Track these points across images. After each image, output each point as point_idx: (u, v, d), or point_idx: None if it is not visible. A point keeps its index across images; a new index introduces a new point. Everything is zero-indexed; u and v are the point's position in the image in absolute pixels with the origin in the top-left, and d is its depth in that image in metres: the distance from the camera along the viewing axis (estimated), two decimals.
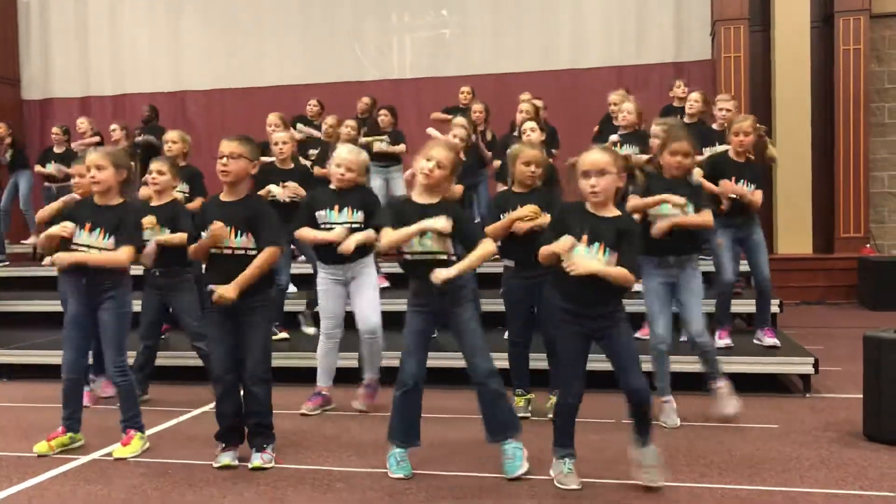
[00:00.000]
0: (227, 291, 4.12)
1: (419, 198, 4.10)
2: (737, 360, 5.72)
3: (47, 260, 4.51)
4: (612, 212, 3.78)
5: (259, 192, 5.89)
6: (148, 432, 4.85)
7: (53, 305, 8.17)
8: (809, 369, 5.59)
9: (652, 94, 9.74)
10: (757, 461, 4.17)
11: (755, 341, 6.15)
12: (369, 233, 4.95)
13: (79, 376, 4.66)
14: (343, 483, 4.10)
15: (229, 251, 4.22)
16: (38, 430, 5.14)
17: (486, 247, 4.03)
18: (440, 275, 3.88)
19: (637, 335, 6.09)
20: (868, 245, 10.20)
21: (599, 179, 3.68)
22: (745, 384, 5.31)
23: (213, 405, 5.60)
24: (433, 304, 4.08)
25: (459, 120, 7.02)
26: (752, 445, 4.47)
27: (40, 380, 6.66)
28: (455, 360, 4.54)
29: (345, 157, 5.10)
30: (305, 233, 5.10)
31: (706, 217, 4.73)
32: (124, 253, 4.40)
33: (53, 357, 6.81)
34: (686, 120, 7.48)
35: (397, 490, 3.94)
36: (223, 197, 4.33)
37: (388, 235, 4.01)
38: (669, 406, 4.87)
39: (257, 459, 4.29)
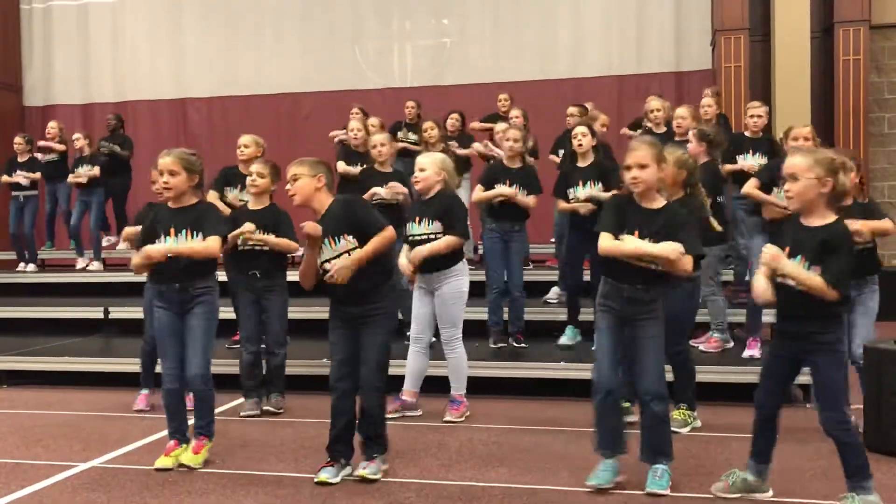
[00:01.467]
0: (343, 268, 4.03)
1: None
2: (736, 370, 5.72)
3: (136, 263, 4.42)
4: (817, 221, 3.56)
5: (363, 196, 5.92)
6: (149, 439, 4.85)
7: (52, 312, 8.22)
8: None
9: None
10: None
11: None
12: (448, 240, 5.01)
13: (180, 386, 4.49)
14: (342, 491, 4.09)
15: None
16: (38, 437, 5.14)
17: None
18: None
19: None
20: None
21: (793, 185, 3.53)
22: (745, 394, 5.29)
23: (220, 410, 5.61)
24: (620, 310, 3.94)
25: (512, 132, 6.55)
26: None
27: (40, 386, 6.67)
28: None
29: (419, 162, 5.17)
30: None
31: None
32: (213, 241, 4.32)
33: (53, 364, 6.84)
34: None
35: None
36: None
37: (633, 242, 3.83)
38: None
39: (364, 469, 4.18)
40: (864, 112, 10.12)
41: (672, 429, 4.96)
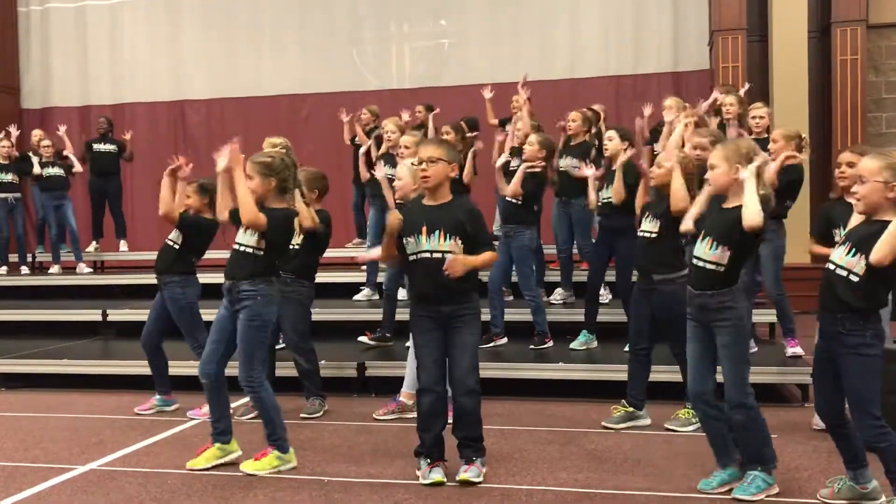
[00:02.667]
0: (458, 263, 4.00)
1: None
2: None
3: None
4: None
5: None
6: (147, 441, 4.84)
7: (50, 315, 8.22)
8: (807, 378, 5.57)
9: (650, 103, 9.71)
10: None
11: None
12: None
13: (209, 381, 4.45)
14: (342, 493, 4.09)
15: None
16: (37, 440, 5.14)
17: None
18: None
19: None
20: None
21: None
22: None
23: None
24: (698, 317, 3.95)
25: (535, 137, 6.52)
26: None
27: (37, 389, 6.66)
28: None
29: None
30: None
31: None
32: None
33: (51, 367, 6.84)
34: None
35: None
36: (426, 201, 4.23)
37: None
38: None
39: (466, 472, 4.11)
40: (862, 111, 10.12)
41: (672, 427, 5.00)
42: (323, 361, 6.08)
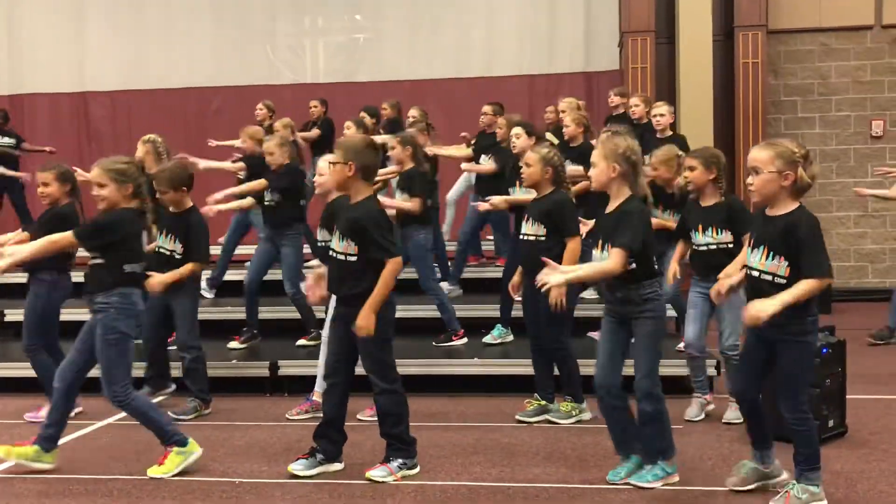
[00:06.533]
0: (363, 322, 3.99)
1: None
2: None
3: None
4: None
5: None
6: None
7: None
8: (712, 371, 5.77)
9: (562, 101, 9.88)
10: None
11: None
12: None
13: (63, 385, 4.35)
14: (253, 495, 4.02)
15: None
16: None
17: None
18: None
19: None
20: None
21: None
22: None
23: (117, 417, 5.43)
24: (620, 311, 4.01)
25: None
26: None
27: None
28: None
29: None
30: None
31: None
32: None
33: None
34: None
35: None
36: None
37: None
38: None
39: (371, 470, 4.18)
40: (763, 113, 10.54)
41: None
42: (234, 361, 5.98)
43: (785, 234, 3.51)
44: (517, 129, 6.10)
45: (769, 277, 3.56)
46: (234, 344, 6.61)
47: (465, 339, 6.55)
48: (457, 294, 7.46)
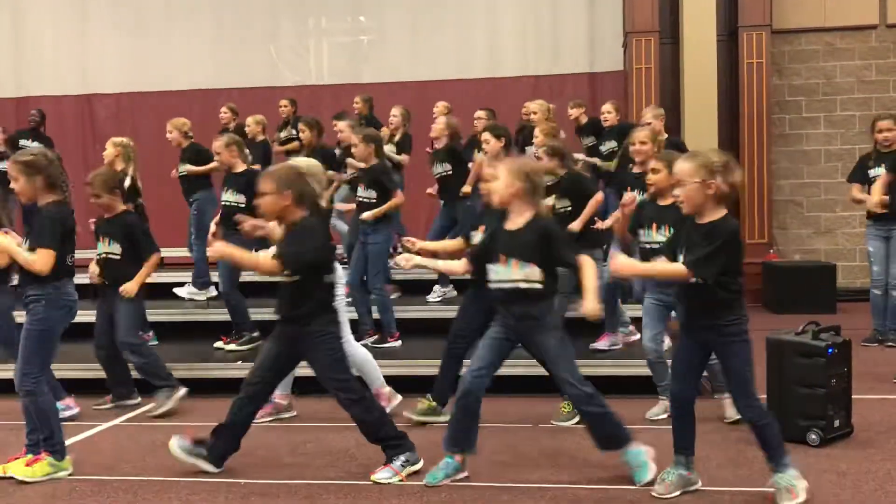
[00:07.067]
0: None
1: None
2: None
3: None
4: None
5: None
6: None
7: None
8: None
9: (567, 103, 9.90)
10: (666, 461, 4.26)
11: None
12: None
13: None
14: (258, 496, 4.03)
15: None
16: None
17: None
18: None
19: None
20: (772, 251, 10.62)
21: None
22: (653, 386, 5.44)
23: (124, 418, 5.44)
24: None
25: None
26: (662, 446, 4.57)
27: None
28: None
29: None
30: None
31: None
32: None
33: None
34: None
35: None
36: None
37: None
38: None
39: (374, 473, 4.18)
40: (767, 113, 10.53)
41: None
42: (239, 362, 5.99)
43: (704, 240, 3.60)
44: (486, 135, 6.16)
45: (697, 281, 3.62)
46: (219, 344, 6.60)
47: (399, 342, 6.52)
48: (452, 295, 7.46)
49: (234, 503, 3.94)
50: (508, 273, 3.97)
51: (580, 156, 7.98)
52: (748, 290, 11.09)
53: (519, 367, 5.06)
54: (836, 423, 4.63)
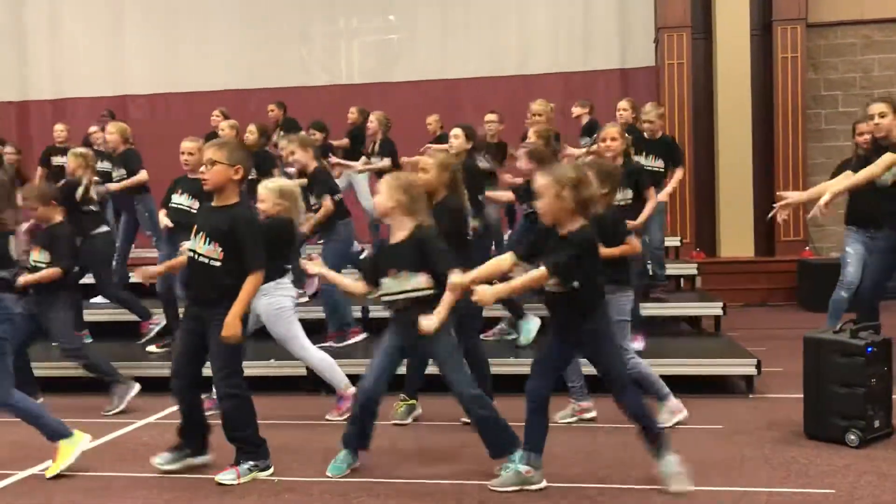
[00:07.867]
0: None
1: None
2: (681, 363, 5.81)
3: None
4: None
5: None
6: (93, 444, 4.72)
7: None
8: (752, 370, 5.70)
9: (599, 99, 9.84)
10: (702, 461, 4.21)
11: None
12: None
13: None
14: (291, 492, 4.05)
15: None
16: None
17: None
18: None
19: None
20: (807, 248, 10.46)
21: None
22: (689, 386, 5.39)
23: (157, 416, 5.50)
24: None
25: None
26: (698, 446, 4.53)
27: None
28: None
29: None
30: None
31: None
32: None
33: None
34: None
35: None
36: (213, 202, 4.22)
37: None
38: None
39: (219, 474, 4.18)
40: (802, 108, 10.37)
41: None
42: (272, 360, 6.02)
43: (562, 248, 3.72)
44: (456, 130, 6.16)
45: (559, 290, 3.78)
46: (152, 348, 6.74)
47: (352, 341, 6.50)
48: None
49: (267, 499, 3.96)
50: (400, 285, 4.07)
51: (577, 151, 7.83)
52: (784, 289, 11.01)
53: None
54: (876, 423, 4.54)
